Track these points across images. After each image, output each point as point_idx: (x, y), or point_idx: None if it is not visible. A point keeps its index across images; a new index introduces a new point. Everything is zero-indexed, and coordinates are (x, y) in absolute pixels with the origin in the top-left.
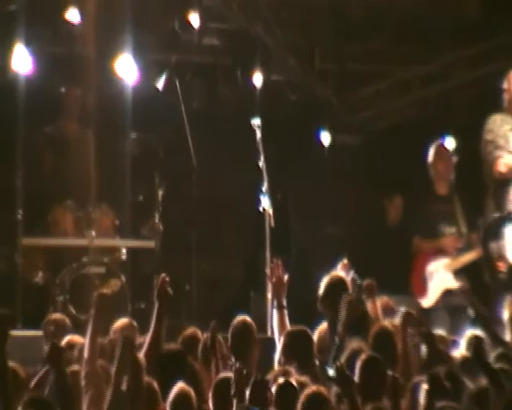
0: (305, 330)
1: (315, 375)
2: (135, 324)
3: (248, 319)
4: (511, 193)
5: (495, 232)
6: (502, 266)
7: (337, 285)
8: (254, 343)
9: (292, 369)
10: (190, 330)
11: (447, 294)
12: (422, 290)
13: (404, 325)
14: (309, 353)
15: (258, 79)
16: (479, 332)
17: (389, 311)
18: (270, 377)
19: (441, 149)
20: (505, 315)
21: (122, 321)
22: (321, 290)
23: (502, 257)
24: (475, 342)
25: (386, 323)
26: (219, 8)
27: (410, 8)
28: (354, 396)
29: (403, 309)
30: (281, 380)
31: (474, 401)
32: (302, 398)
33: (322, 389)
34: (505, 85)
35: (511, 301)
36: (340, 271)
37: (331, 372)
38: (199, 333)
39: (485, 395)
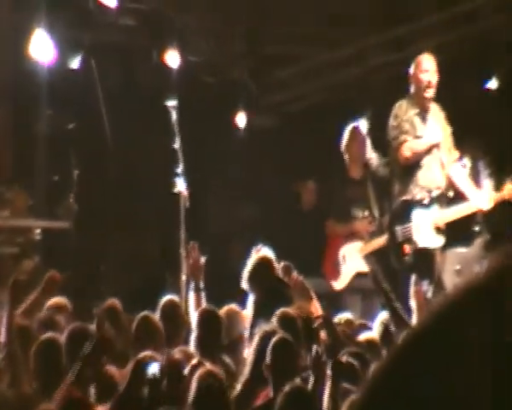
0: (214, 312)
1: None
2: (67, 302)
3: (176, 299)
4: (417, 177)
5: (401, 216)
6: (407, 250)
7: (264, 265)
8: (183, 322)
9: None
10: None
11: (359, 277)
12: (335, 273)
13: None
14: (218, 334)
15: (174, 60)
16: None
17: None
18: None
19: (355, 133)
20: (412, 302)
21: (55, 300)
22: (248, 270)
23: (408, 240)
24: (383, 327)
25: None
26: None
27: None
28: None
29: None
30: (194, 362)
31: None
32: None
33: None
34: (412, 71)
35: (417, 288)
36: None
37: None
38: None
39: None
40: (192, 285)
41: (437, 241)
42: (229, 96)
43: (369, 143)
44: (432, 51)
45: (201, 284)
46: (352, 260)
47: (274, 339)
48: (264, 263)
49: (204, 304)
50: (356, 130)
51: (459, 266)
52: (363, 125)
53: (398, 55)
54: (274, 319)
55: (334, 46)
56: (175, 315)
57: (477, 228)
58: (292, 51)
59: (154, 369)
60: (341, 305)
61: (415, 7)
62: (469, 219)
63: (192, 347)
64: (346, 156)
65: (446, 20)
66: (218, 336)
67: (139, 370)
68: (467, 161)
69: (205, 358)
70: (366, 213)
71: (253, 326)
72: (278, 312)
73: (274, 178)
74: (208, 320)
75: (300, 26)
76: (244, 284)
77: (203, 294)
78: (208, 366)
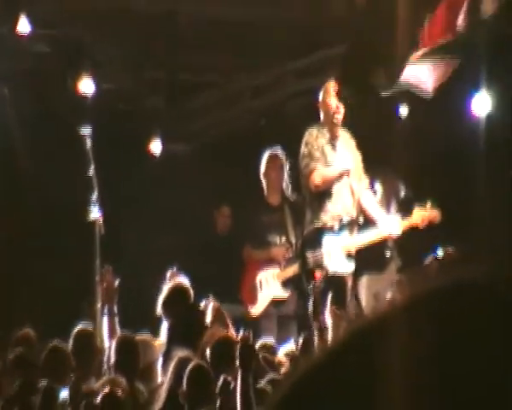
0: (132, 338)
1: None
2: None
3: (89, 327)
4: (327, 204)
5: (312, 243)
6: (318, 276)
7: (179, 292)
8: (96, 351)
9: (120, 378)
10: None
11: (276, 303)
12: (252, 299)
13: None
14: (135, 360)
15: (88, 87)
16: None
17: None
18: (97, 386)
19: (273, 159)
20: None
21: None
22: (163, 297)
23: (319, 266)
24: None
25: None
26: (49, 15)
27: (243, 21)
28: None
29: None
30: (106, 390)
31: None
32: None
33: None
34: (320, 98)
35: (332, 309)
36: (170, 279)
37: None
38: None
39: None
40: (106, 310)
41: (347, 267)
42: (144, 124)
43: (286, 169)
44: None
45: (115, 309)
46: (269, 286)
47: (189, 366)
48: (179, 290)
49: (118, 329)
50: (274, 156)
51: (376, 291)
52: (279, 151)
53: (313, 83)
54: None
55: (250, 73)
56: (87, 344)
57: (388, 253)
58: (208, 78)
59: (62, 396)
60: (258, 331)
61: (328, 35)
62: (383, 245)
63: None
64: (264, 182)
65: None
66: (134, 363)
67: (48, 399)
68: (378, 187)
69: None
70: (283, 239)
71: (167, 353)
72: (190, 337)
73: (190, 205)
74: (125, 347)
75: (217, 54)
76: (159, 311)
77: (117, 319)
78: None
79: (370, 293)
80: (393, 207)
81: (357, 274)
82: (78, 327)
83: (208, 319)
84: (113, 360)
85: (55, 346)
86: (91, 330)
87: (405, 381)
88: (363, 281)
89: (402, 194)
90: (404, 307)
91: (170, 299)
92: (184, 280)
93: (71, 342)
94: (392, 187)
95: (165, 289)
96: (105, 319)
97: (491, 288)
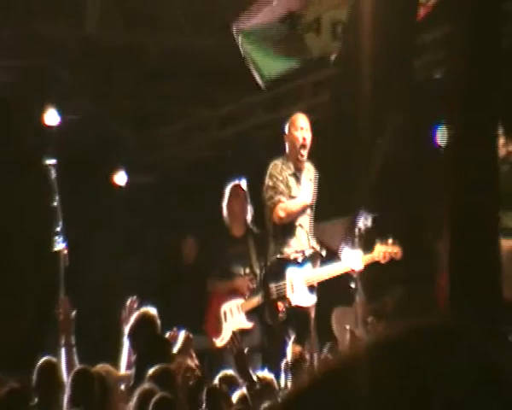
0: (87, 371)
1: None
2: None
3: (53, 359)
4: (291, 237)
5: (275, 274)
6: (281, 307)
7: (146, 322)
8: (61, 385)
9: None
10: None
11: (240, 334)
12: (216, 330)
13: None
14: (92, 393)
15: (53, 117)
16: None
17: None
18: None
19: (237, 190)
20: (288, 360)
21: None
22: (130, 326)
23: (282, 298)
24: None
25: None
26: (15, 45)
27: (211, 51)
28: None
29: None
30: None
31: None
32: None
33: None
34: (286, 130)
35: (294, 346)
36: (130, 309)
37: None
38: None
39: None
40: (63, 341)
41: (310, 299)
42: (109, 154)
43: (249, 200)
44: (305, 111)
45: (72, 340)
46: (233, 317)
47: (154, 398)
48: (145, 320)
49: (75, 361)
50: (237, 187)
51: (348, 325)
52: (243, 183)
53: (277, 115)
54: (151, 375)
55: (217, 104)
56: (51, 376)
57: (353, 286)
58: (175, 109)
59: None
60: (223, 362)
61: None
62: (348, 278)
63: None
64: (228, 214)
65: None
66: (90, 397)
67: None
68: (342, 221)
69: None
70: (247, 270)
71: (134, 385)
72: (156, 368)
73: (155, 235)
74: (80, 380)
75: (184, 84)
76: (125, 340)
77: (74, 350)
78: None
79: (342, 327)
80: (357, 241)
81: (325, 307)
82: (43, 359)
83: (176, 347)
84: (68, 394)
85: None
86: (55, 362)
87: None
88: (333, 314)
89: (365, 228)
90: (373, 350)
91: (136, 329)
92: (151, 309)
93: (34, 375)
94: (357, 220)
95: (132, 318)
96: (63, 351)
97: (449, 333)
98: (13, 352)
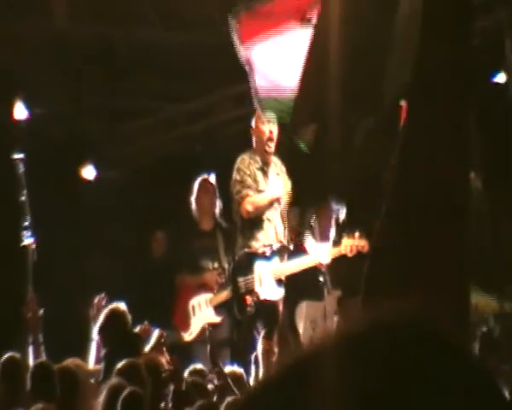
0: (47, 365)
1: None
2: None
3: (17, 355)
4: (258, 231)
5: (243, 268)
6: (249, 301)
7: (115, 317)
8: (23, 381)
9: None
10: None
11: (209, 328)
12: (185, 324)
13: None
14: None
15: (21, 112)
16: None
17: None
18: None
19: (205, 185)
20: (259, 354)
21: None
22: (99, 322)
23: (250, 292)
24: None
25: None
26: None
27: (180, 46)
28: None
29: None
30: None
31: None
32: None
33: None
34: (253, 125)
35: (264, 341)
36: (98, 306)
37: None
38: None
39: None
40: (30, 339)
41: (278, 292)
42: (77, 149)
43: (217, 195)
44: None
45: (40, 338)
46: (202, 311)
47: (123, 393)
48: (115, 315)
49: (43, 357)
50: (205, 182)
51: (313, 319)
52: (212, 177)
53: (245, 110)
54: (119, 370)
55: (186, 98)
56: (15, 373)
57: (321, 279)
58: (141, 104)
59: None
60: (192, 356)
61: None
62: (317, 272)
63: None
64: (196, 208)
65: None
66: (50, 390)
67: None
68: (313, 212)
69: None
70: (216, 264)
71: (103, 378)
72: (124, 362)
73: (123, 231)
74: (39, 374)
75: (152, 79)
76: (94, 336)
77: (42, 347)
78: None
79: (307, 320)
80: (327, 234)
81: (293, 301)
82: (7, 355)
83: (150, 344)
84: (28, 387)
85: None
86: (18, 359)
87: None
88: (301, 308)
89: (335, 221)
90: (337, 343)
91: (106, 325)
92: (121, 305)
93: None
94: (326, 214)
95: (102, 314)
96: (30, 349)
97: (413, 327)
98: None
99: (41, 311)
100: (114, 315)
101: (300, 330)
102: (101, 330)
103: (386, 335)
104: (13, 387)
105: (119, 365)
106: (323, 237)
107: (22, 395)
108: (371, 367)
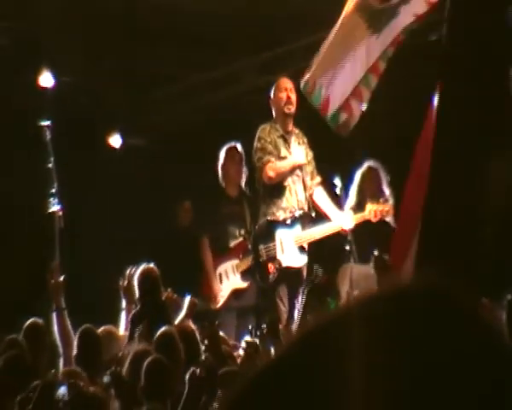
0: (93, 331)
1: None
2: None
3: (39, 321)
4: (280, 198)
5: (265, 236)
6: (272, 269)
7: (151, 278)
8: (45, 346)
9: (79, 370)
10: None
11: (236, 295)
12: (213, 292)
13: None
14: (98, 353)
15: (47, 79)
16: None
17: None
18: (52, 377)
19: (232, 152)
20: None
21: None
22: (135, 279)
23: (272, 259)
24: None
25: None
26: (6, 7)
27: (204, 13)
28: (125, 399)
29: None
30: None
31: None
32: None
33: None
34: (272, 95)
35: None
36: (129, 277)
37: (105, 379)
38: None
39: None
40: (54, 305)
41: (300, 259)
42: (104, 117)
43: (244, 163)
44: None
45: (63, 303)
46: (229, 278)
47: (147, 360)
48: (150, 276)
49: (68, 323)
50: (232, 149)
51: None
52: (239, 145)
53: (271, 78)
54: (155, 339)
55: (207, 68)
56: (37, 337)
57: (347, 247)
58: (166, 72)
59: (61, 391)
60: (219, 323)
61: (290, 31)
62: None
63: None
64: (222, 175)
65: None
66: (97, 356)
67: (46, 392)
68: (338, 181)
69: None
70: (242, 231)
71: (128, 345)
72: (159, 332)
73: (150, 198)
74: (87, 340)
75: (174, 48)
76: (123, 303)
77: (65, 312)
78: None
79: (350, 282)
80: (351, 202)
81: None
82: (30, 320)
83: (182, 311)
84: (74, 352)
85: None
86: (41, 324)
87: (357, 382)
88: (345, 269)
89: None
90: (352, 308)
91: (140, 283)
92: (152, 265)
93: (21, 335)
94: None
95: (137, 272)
96: (54, 315)
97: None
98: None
99: (62, 277)
100: (149, 275)
101: (343, 293)
102: (138, 288)
103: (398, 300)
104: (35, 351)
105: (156, 334)
106: (348, 203)
107: (43, 358)
108: (379, 332)
